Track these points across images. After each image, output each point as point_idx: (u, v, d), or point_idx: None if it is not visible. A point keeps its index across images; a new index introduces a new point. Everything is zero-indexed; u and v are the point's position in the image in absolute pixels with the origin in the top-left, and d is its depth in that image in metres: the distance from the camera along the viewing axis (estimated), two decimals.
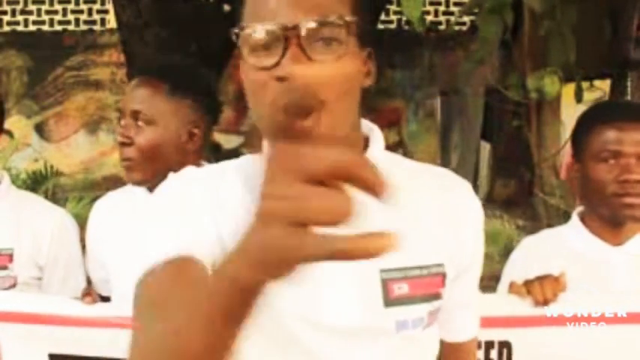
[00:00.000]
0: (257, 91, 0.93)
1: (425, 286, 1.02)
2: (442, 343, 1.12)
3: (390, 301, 0.99)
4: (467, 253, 1.08)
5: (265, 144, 1.02)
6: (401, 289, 1.00)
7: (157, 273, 0.90)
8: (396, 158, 1.09)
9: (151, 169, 1.62)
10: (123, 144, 1.63)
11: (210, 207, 0.99)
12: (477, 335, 1.17)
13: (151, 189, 1.67)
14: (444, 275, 1.04)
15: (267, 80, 0.91)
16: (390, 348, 1.00)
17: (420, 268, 1.02)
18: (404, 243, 1.00)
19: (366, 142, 1.05)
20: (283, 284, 0.94)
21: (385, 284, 1.00)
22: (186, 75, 1.72)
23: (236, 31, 0.93)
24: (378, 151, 1.04)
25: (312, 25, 0.89)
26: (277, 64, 0.89)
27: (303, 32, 0.89)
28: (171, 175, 1.09)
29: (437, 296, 1.03)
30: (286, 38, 0.89)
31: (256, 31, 0.91)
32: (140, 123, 1.63)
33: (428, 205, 1.04)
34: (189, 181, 1.04)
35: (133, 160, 1.62)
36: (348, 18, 0.92)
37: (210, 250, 0.89)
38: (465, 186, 1.10)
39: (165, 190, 1.06)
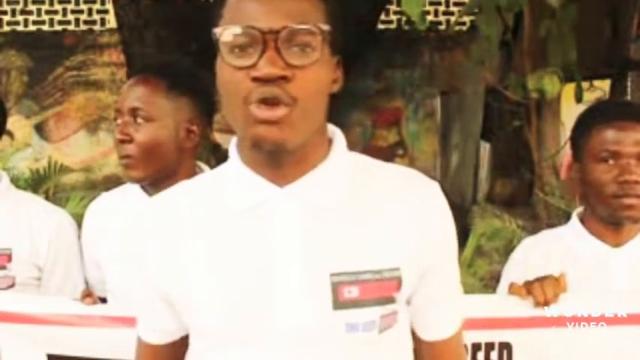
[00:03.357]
0: (232, 89, 0.99)
1: (377, 290, 1.04)
2: (420, 342, 1.14)
3: (339, 304, 1.02)
4: (432, 254, 1.09)
5: (234, 140, 1.09)
6: (351, 292, 1.02)
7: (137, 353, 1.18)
8: (360, 159, 1.12)
9: (150, 166, 1.63)
10: (122, 141, 1.63)
11: (164, 265, 1.08)
12: (458, 334, 1.18)
13: (148, 187, 1.67)
14: (399, 279, 1.05)
15: (242, 79, 0.97)
16: (341, 351, 1.03)
17: (372, 272, 1.03)
18: (356, 247, 1.04)
19: (329, 144, 1.09)
20: (237, 286, 1.02)
21: (335, 287, 1.02)
22: (184, 73, 1.73)
23: (216, 31, 1.00)
24: (340, 152, 1.08)
25: (290, 30, 0.96)
26: (254, 65, 0.96)
27: (280, 37, 0.96)
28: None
29: (390, 300, 1.05)
30: (264, 41, 0.96)
31: (236, 33, 0.97)
32: (139, 120, 1.63)
33: (388, 207, 1.06)
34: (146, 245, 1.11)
35: (132, 157, 1.63)
36: (324, 26, 0.99)
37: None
38: (432, 186, 1.11)
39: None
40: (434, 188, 1.11)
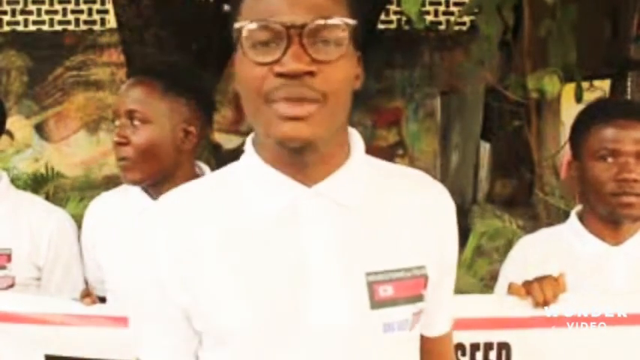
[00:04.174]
0: (253, 86, 0.95)
1: (408, 288, 1.04)
2: (421, 338, 1.14)
3: (375, 304, 1.01)
4: (448, 253, 1.10)
5: (250, 138, 1.06)
6: (386, 291, 1.02)
7: None
8: (374, 161, 1.11)
9: (148, 168, 1.63)
10: (119, 144, 1.63)
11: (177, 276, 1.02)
12: (451, 328, 1.20)
13: (146, 189, 1.67)
14: (426, 277, 1.05)
15: (265, 75, 0.94)
16: (378, 350, 1.02)
17: (404, 270, 1.03)
18: (387, 245, 1.03)
19: (348, 145, 1.07)
20: (268, 288, 0.99)
21: (371, 286, 1.01)
22: (181, 74, 1.73)
23: (238, 26, 0.96)
24: (361, 152, 1.07)
25: (315, 25, 0.93)
26: (278, 60, 0.93)
27: (305, 31, 0.93)
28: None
29: (420, 298, 1.05)
30: (289, 36, 0.93)
31: (260, 27, 0.94)
32: (136, 122, 1.63)
33: (408, 208, 1.06)
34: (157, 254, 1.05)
35: (129, 159, 1.63)
36: (349, 21, 0.96)
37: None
38: (441, 188, 1.12)
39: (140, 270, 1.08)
40: (442, 189, 1.12)
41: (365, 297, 1.00)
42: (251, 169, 1.04)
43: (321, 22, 0.93)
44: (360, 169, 1.05)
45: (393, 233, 1.04)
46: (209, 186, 1.08)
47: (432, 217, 1.07)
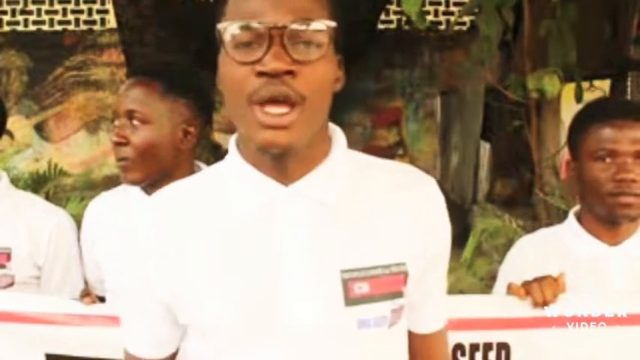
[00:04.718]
0: (236, 86, 0.98)
1: (386, 285, 1.05)
2: (410, 335, 1.15)
3: (350, 301, 1.03)
4: (432, 249, 1.11)
5: (234, 138, 1.09)
6: (361, 288, 1.04)
7: None
8: (359, 157, 1.13)
9: (147, 168, 1.63)
10: (119, 144, 1.63)
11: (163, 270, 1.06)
12: (445, 326, 1.20)
13: (146, 189, 1.67)
14: (405, 274, 1.07)
15: (247, 76, 0.97)
16: (353, 345, 1.04)
17: (382, 267, 1.05)
18: (364, 243, 1.04)
19: (330, 142, 1.09)
20: (246, 285, 1.00)
21: (346, 284, 1.03)
22: (180, 74, 1.73)
23: (220, 26, 0.99)
24: (341, 150, 1.08)
25: (297, 26, 0.96)
26: (260, 60, 0.95)
27: (286, 32, 0.95)
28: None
29: (399, 294, 1.06)
30: (270, 37, 0.95)
31: (242, 28, 0.97)
32: (135, 122, 1.63)
33: (389, 203, 1.08)
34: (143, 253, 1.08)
35: (128, 159, 1.63)
36: (329, 23, 0.99)
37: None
38: (430, 183, 1.12)
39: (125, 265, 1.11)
40: (432, 184, 1.12)
41: (339, 294, 1.03)
42: (233, 168, 1.07)
43: (302, 24, 0.96)
44: (339, 167, 1.07)
45: (372, 230, 1.06)
46: (196, 184, 1.12)
47: (416, 212, 1.08)
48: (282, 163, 1.02)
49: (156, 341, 1.12)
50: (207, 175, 1.13)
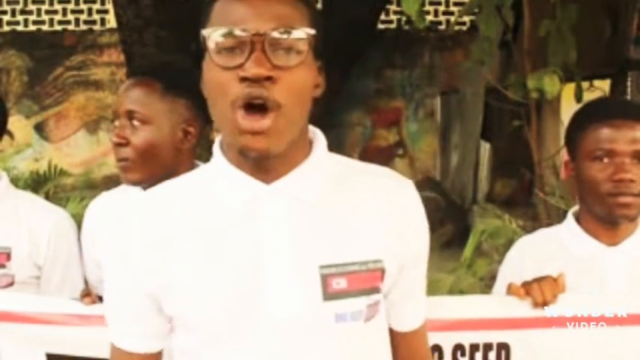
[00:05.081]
0: (220, 91, 1.04)
1: (363, 281, 1.10)
2: (392, 332, 1.20)
3: (328, 295, 1.08)
4: (409, 248, 1.15)
5: (218, 140, 1.14)
6: (339, 284, 1.08)
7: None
8: (338, 159, 1.17)
9: (147, 168, 1.63)
10: (118, 144, 1.63)
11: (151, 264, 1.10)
12: (424, 324, 1.24)
13: (146, 189, 1.67)
14: (382, 270, 1.11)
15: (230, 81, 1.02)
16: (330, 339, 1.08)
17: (359, 263, 1.10)
18: (342, 240, 1.07)
19: (311, 145, 1.14)
20: (228, 279, 1.03)
21: (324, 279, 1.08)
22: (180, 74, 1.72)
23: (205, 32, 1.04)
24: (321, 152, 1.13)
25: (277, 34, 1.01)
26: (241, 65, 1.00)
27: (267, 39, 1.00)
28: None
29: (375, 290, 1.11)
30: (252, 43, 1.00)
31: (225, 34, 1.02)
32: (135, 123, 1.63)
33: (369, 204, 1.12)
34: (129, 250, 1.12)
35: (128, 160, 1.63)
36: (309, 30, 1.04)
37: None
38: (407, 186, 1.17)
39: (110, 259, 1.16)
40: (409, 186, 1.17)
41: (318, 289, 1.07)
42: (217, 168, 1.12)
43: (284, 32, 1.01)
44: (320, 167, 1.12)
45: (350, 228, 1.10)
46: (184, 183, 1.17)
47: (394, 213, 1.13)
48: (263, 164, 1.07)
49: (143, 333, 1.14)
50: (196, 174, 1.19)
